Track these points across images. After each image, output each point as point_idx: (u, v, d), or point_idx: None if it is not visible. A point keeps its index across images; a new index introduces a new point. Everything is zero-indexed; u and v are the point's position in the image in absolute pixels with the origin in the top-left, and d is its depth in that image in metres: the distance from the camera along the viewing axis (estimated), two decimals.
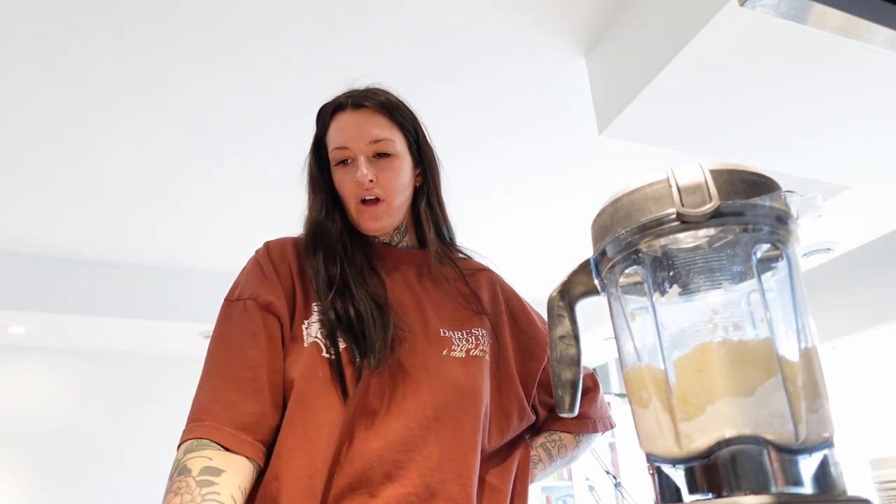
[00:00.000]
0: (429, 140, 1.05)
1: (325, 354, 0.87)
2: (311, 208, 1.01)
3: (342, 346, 0.87)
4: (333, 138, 0.99)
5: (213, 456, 0.77)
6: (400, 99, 1.03)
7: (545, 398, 1.07)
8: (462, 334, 0.97)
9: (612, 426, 1.11)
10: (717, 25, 1.91)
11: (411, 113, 1.03)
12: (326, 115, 1.01)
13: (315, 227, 0.99)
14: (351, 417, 0.85)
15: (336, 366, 0.86)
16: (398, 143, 0.98)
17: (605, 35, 2.38)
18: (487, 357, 0.98)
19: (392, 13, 2.22)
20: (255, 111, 2.65)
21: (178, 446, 0.81)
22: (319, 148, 1.03)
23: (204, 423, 0.81)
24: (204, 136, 2.79)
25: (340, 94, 1.01)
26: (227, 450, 0.79)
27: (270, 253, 0.97)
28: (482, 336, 0.99)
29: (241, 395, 0.83)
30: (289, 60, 2.40)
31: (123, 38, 2.24)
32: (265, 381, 0.85)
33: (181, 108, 2.60)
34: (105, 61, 2.34)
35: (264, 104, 2.62)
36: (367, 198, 0.96)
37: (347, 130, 0.97)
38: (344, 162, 0.98)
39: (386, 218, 0.97)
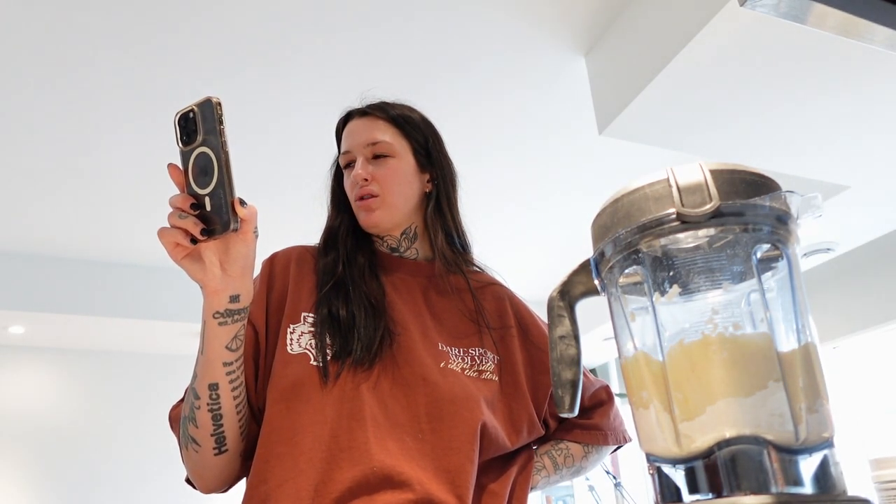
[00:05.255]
0: (444, 151, 1.09)
1: (313, 363, 0.89)
2: (328, 217, 1.08)
3: (330, 351, 0.90)
4: (341, 146, 1.06)
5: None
6: (411, 109, 1.07)
7: (556, 410, 1.06)
8: (458, 351, 0.97)
9: (625, 440, 1.09)
10: (717, 25, 1.91)
11: (423, 122, 1.07)
12: (339, 127, 1.08)
13: (327, 232, 1.06)
14: (347, 424, 0.85)
15: (322, 371, 0.88)
16: (398, 146, 1.02)
17: (605, 35, 2.38)
18: (496, 378, 0.98)
19: (389, 14, 2.22)
20: (257, 114, 2.65)
21: (171, 420, 0.92)
22: (338, 162, 1.09)
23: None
24: None
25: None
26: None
27: (273, 264, 1.02)
28: (479, 356, 0.98)
29: None
30: (291, 63, 2.41)
31: (126, 40, 2.24)
32: None
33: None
34: (107, 63, 2.34)
35: (266, 108, 2.63)
36: (364, 195, 1.00)
37: (351, 136, 1.04)
38: (349, 166, 1.04)
39: (380, 211, 1.00)
